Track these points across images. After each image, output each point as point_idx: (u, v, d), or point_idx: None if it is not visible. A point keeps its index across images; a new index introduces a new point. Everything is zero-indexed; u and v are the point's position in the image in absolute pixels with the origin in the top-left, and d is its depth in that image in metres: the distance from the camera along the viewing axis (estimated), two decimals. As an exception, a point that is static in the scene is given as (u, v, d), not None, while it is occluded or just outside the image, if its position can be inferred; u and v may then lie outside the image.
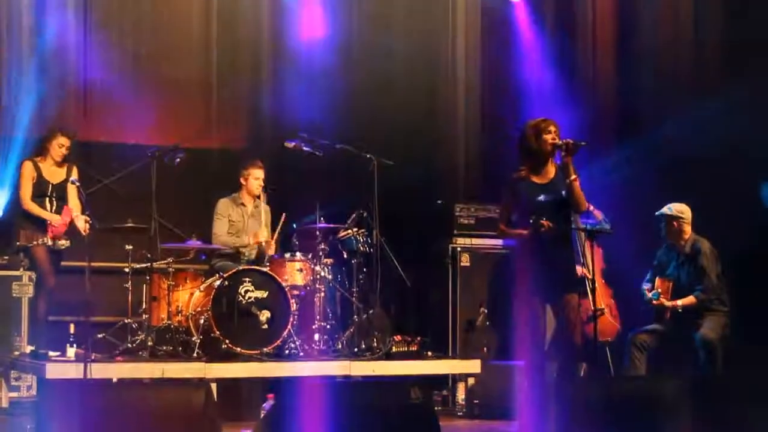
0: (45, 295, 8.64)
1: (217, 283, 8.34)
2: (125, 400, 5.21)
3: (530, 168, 7.01)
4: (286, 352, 8.46)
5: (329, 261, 9.04)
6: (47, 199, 8.66)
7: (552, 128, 6.94)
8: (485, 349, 9.65)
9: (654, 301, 8.58)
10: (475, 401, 8.89)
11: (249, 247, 9.12)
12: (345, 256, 9.12)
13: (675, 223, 8.68)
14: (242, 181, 9.25)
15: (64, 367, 7.61)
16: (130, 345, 8.24)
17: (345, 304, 9.12)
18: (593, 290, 7.68)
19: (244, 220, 9.21)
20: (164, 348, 8.27)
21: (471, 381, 8.92)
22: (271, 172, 9.36)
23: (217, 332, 8.18)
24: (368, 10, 10.89)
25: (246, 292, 8.37)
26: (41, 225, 8.55)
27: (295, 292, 8.70)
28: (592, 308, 7.68)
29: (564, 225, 7.02)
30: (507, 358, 9.09)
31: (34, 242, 8.51)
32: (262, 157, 9.46)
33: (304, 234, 9.07)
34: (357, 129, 10.30)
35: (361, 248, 9.04)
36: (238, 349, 8.19)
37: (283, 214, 9.11)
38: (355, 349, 8.73)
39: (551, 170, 7.02)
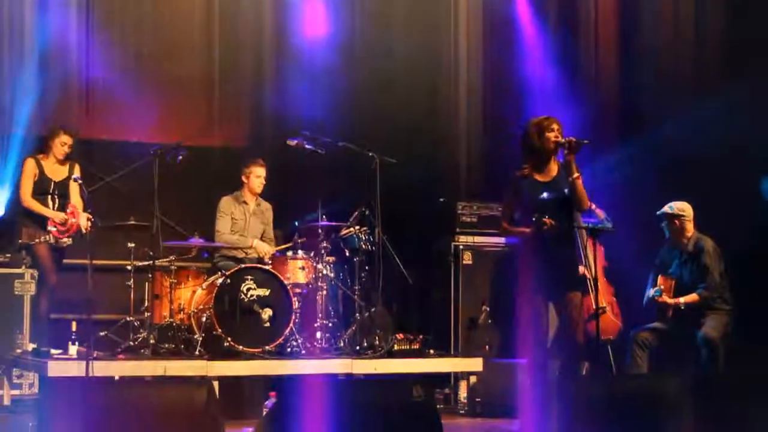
0: (47, 293, 8.64)
1: (220, 281, 8.34)
2: (127, 398, 5.21)
3: (533, 166, 7.00)
4: (288, 350, 8.46)
5: (331, 259, 9.03)
6: (49, 196, 8.66)
7: (555, 126, 6.94)
8: (487, 347, 9.65)
9: (657, 298, 8.57)
10: (477, 399, 8.89)
11: (250, 248, 9.13)
12: (347, 254, 9.12)
13: (677, 221, 8.67)
14: (244, 179, 9.25)
15: (66, 365, 7.61)
16: (132, 343, 8.24)
17: (347, 302, 9.12)
18: (595, 288, 7.68)
19: (246, 218, 9.21)
20: (166, 346, 8.27)
21: (473, 379, 8.92)
22: (273, 170, 9.37)
23: (219, 330, 8.18)
24: (370, 8, 10.89)
25: (248, 290, 8.37)
26: (43, 222, 8.56)
27: (297, 290, 8.70)
28: (594, 306, 7.68)
29: (566, 223, 7.01)
30: (509, 356, 9.09)
31: (36, 240, 8.51)
32: (264, 155, 9.47)
33: (306, 232, 9.07)
34: (359, 127, 10.31)
35: (363, 246, 9.04)
36: (240, 347, 8.20)
37: (291, 243, 9.10)
38: (357, 347, 8.73)
39: (554, 168, 7.02)
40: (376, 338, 8.84)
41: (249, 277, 8.42)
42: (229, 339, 8.17)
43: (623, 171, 9.79)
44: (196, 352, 8.10)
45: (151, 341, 8.18)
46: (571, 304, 6.92)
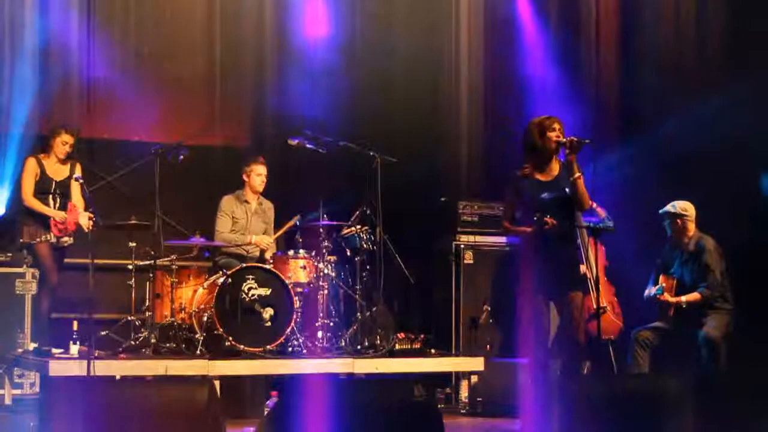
0: (48, 292, 8.64)
1: (221, 280, 8.34)
2: (128, 397, 5.20)
3: (534, 165, 7.01)
4: (290, 349, 8.46)
5: (332, 258, 9.04)
6: (50, 196, 8.66)
7: (556, 126, 6.94)
8: (488, 346, 9.65)
9: (658, 296, 8.56)
10: (479, 399, 8.88)
11: (250, 246, 9.13)
12: (348, 253, 9.12)
13: (679, 220, 8.67)
14: (244, 177, 9.25)
15: (68, 365, 7.62)
16: (133, 342, 8.24)
17: (348, 301, 9.13)
18: (596, 288, 7.69)
19: (247, 217, 9.21)
20: (167, 345, 8.28)
21: (474, 378, 8.91)
22: (274, 169, 9.37)
23: (221, 329, 8.18)
24: (371, 7, 10.88)
25: (249, 289, 8.38)
26: (44, 222, 8.56)
27: (299, 290, 8.71)
28: (595, 306, 7.67)
29: (567, 222, 7.02)
30: (510, 356, 9.08)
31: (38, 239, 8.52)
32: (265, 154, 9.47)
33: (307, 231, 9.07)
34: (360, 126, 10.31)
35: (365, 246, 9.04)
36: (242, 346, 8.20)
37: (295, 217, 9.09)
38: (359, 347, 8.73)
39: (555, 168, 7.02)
40: (378, 338, 8.85)
41: (250, 276, 8.42)
42: (231, 338, 8.18)
43: (624, 170, 9.78)
44: (198, 352, 8.11)
45: (153, 341, 8.19)
46: (572, 304, 6.93)
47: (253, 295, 8.38)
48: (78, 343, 7.97)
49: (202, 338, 8.20)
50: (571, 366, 7.03)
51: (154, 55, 10.18)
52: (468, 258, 9.95)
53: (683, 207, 8.67)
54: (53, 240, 8.56)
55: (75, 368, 7.52)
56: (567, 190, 6.93)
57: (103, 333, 8.37)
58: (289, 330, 8.42)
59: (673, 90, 10.14)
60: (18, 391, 8.55)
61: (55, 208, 8.64)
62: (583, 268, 7.74)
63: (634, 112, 10.43)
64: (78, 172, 8.69)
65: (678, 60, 10.29)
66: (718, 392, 5.83)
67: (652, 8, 10.49)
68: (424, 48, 10.98)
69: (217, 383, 7.29)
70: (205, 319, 8.31)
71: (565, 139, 6.92)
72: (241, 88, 10.51)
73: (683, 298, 8.51)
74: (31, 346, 8.46)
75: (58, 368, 7.55)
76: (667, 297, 8.55)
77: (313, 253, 8.88)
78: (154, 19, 10.19)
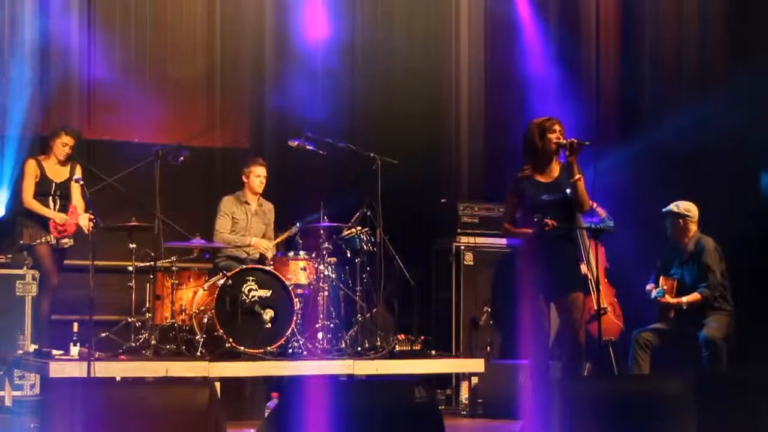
0: (48, 294, 8.65)
1: (221, 281, 8.34)
2: (129, 399, 5.20)
3: (534, 167, 7.01)
4: (290, 351, 8.47)
5: (333, 260, 9.04)
6: (51, 197, 8.67)
7: (557, 127, 6.94)
8: (489, 347, 9.65)
9: (659, 298, 8.56)
10: (479, 400, 8.89)
11: (250, 248, 9.13)
12: (348, 255, 9.12)
13: (681, 220, 8.65)
14: (244, 178, 9.26)
15: (68, 366, 7.62)
16: (133, 344, 8.24)
17: (348, 303, 9.13)
18: (597, 289, 7.68)
19: (247, 218, 9.21)
20: (168, 347, 8.28)
21: (474, 380, 8.91)
22: (274, 171, 9.37)
23: (221, 331, 8.18)
24: (371, 9, 10.89)
25: (249, 290, 8.38)
26: (44, 223, 8.56)
27: (299, 291, 8.71)
28: (596, 307, 7.67)
29: (568, 224, 7.02)
30: (511, 357, 9.10)
31: (38, 241, 8.52)
32: (266, 156, 9.48)
33: (307, 233, 9.07)
34: (360, 128, 10.33)
35: (365, 247, 9.04)
36: (242, 348, 8.20)
37: (294, 226, 9.09)
38: (359, 348, 8.74)
39: (555, 169, 7.02)
40: (378, 339, 8.85)
41: (250, 278, 8.42)
42: (231, 340, 8.18)
43: (624, 170, 9.78)
44: (198, 353, 8.11)
45: (153, 342, 8.18)
46: (573, 305, 6.92)
47: (253, 296, 8.38)
48: (78, 344, 7.97)
49: (202, 340, 8.20)
50: (571, 367, 7.03)
51: (155, 57, 10.18)
52: (468, 259, 9.95)
53: (687, 208, 8.66)
54: (53, 241, 8.56)
55: (75, 370, 7.52)
56: (567, 191, 6.93)
57: (103, 334, 8.36)
58: (289, 331, 8.42)
59: (674, 90, 10.15)
60: (18, 393, 8.54)
61: (55, 209, 8.64)
62: (583, 269, 7.75)
63: (634, 111, 10.43)
64: (78, 174, 8.69)
65: (678, 60, 10.29)
66: (719, 393, 5.82)
67: (653, 7, 10.49)
68: (425, 49, 10.99)
69: (217, 385, 7.28)
70: (205, 320, 8.31)
71: (565, 141, 6.92)
72: (242, 89, 10.51)
73: (684, 299, 8.51)
74: (32, 347, 8.45)
75: (58, 370, 7.55)
76: (668, 299, 8.54)
77: (314, 255, 8.89)
78: (155, 21, 10.18)
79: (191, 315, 8.47)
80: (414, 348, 8.98)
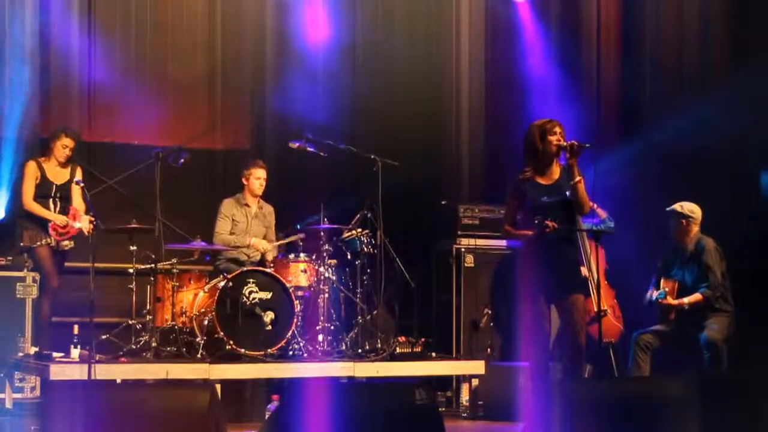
0: (49, 296, 8.64)
1: (222, 284, 8.34)
2: (129, 401, 5.20)
3: (535, 169, 7.01)
4: (290, 353, 8.47)
5: (333, 262, 9.04)
6: (51, 199, 8.67)
7: (557, 129, 6.94)
8: (489, 349, 9.65)
9: (660, 300, 8.55)
10: (480, 402, 8.88)
11: (250, 249, 9.12)
12: (349, 257, 9.12)
13: (684, 221, 8.64)
14: (244, 181, 9.26)
15: (68, 369, 7.61)
16: (134, 346, 8.24)
17: (349, 305, 9.12)
18: (597, 291, 7.68)
19: (247, 220, 9.21)
20: (168, 349, 8.28)
21: (475, 382, 8.91)
22: (275, 173, 9.37)
23: (221, 333, 8.18)
24: (372, 11, 10.89)
25: (250, 293, 8.38)
26: (45, 226, 8.56)
27: (299, 293, 8.71)
28: (596, 309, 7.67)
29: (568, 225, 7.02)
30: (511, 359, 9.10)
31: (38, 243, 8.52)
32: (266, 158, 9.48)
33: (308, 235, 9.07)
34: (361, 130, 10.33)
35: (365, 249, 9.04)
36: (242, 350, 8.20)
37: (298, 236, 9.09)
38: (359, 350, 8.73)
39: (556, 171, 7.02)
40: (378, 341, 8.85)
41: (251, 280, 8.42)
42: (231, 342, 8.17)
43: (624, 172, 9.78)
44: (198, 355, 8.11)
45: (153, 344, 8.17)
46: (573, 307, 6.92)
47: (254, 298, 8.38)
48: (79, 346, 7.97)
49: (202, 342, 8.20)
50: (571, 369, 7.02)
51: (155, 58, 10.18)
52: (469, 261, 9.94)
53: (691, 209, 8.64)
54: (53, 244, 8.56)
55: (76, 372, 7.52)
56: (567, 193, 6.93)
57: (103, 337, 8.36)
58: (289, 333, 8.42)
59: (674, 91, 10.16)
60: (19, 395, 8.53)
61: (55, 211, 8.64)
62: (583, 270, 7.75)
63: (635, 113, 10.44)
64: (78, 176, 8.69)
65: (679, 61, 10.30)
66: (720, 395, 5.82)
67: (653, 9, 10.50)
68: (425, 51, 10.98)
69: (218, 387, 7.28)
70: (205, 322, 8.31)
71: (565, 143, 6.92)
72: (242, 91, 10.50)
73: (685, 300, 8.50)
74: (32, 350, 8.45)
75: (58, 372, 7.55)
76: (670, 300, 8.54)
77: (314, 257, 8.89)
78: (155, 22, 10.18)
79: (192, 317, 8.47)
80: (414, 350, 8.98)
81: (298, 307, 8.54)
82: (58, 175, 8.74)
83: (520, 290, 7.04)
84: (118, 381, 7.67)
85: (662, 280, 8.64)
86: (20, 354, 8.52)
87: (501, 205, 8.77)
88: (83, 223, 8.50)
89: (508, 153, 9.33)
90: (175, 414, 5.14)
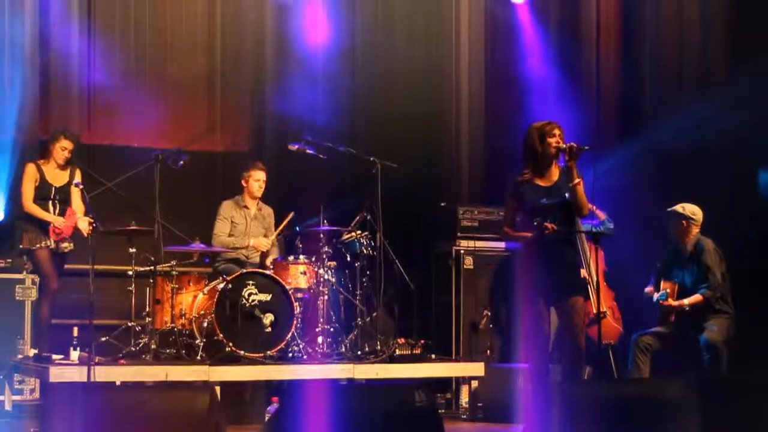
0: (48, 298, 8.64)
1: (221, 286, 8.34)
2: (129, 403, 5.20)
3: (534, 171, 7.01)
4: (290, 355, 8.46)
5: (333, 264, 9.03)
6: (50, 202, 8.66)
7: (556, 131, 6.94)
8: (489, 351, 9.65)
9: (662, 302, 8.54)
10: (479, 404, 8.88)
11: (250, 251, 9.12)
12: (348, 258, 9.12)
13: (684, 222, 8.62)
14: (243, 183, 9.26)
15: (68, 371, 7.61)
16: (133, 348, 8.24)
17: (348, 306, 9.12)
18: (597, 293, 7.67)
19: (246, 222, 9.21)
20: (168, 351, 8.27)
21: (474, 384, 8.90)
22: (274, 174, 9.37)
23: (221, 335, 8.18)
24: (371, 12, 10.89)
25: (249, 295, 8.37)
26: (44, 228, 8.56)
27: (299, 295, 8.70)
28: (595, 311, 7.66)
29: (568, 227, 7.02)
30: (510, 361, 9.09)
31: (38, 245, 8.52)
32: (266, 160, 9.48)
33: (307, 237, 9.07)
34: (361, 131, 10.33)
35: (365, 251, 9.04)
36: (242, 352, 8.20)
37: (291, 213, 9.10)
38: (359, 352, 8.73)
39: (555, 173, 7.02)
40: (378, 343, 8.84)
41: (250, 282, 8.42)
42: (231, 344, 8.17)
43: (624, 173, 9.78)
44: (198, 358, 8.11)
45: (153, 346, 8.17)
46: (573, 309, 6.92)
47: (253, 300, 8.38)
48: (78, 349, 7.97)
49: (202, 344, 8.19)
50: (572, 371, 7.02)
51: (155, 60, 10.18)
52: (468, 263, 9.94)
53: (692, 211, 8.63)
54: (53, 246, 8.56)
55: (75, 374, 7.52)
56: (566, 195, 6.93)
57: (103, 339, 8.36)
58: (289, 335, 8.42)
59: (674, 91, 10.16)
60: (18, 398, 8.54)
61: (54, 213, 8.64)
62: (583, 272, 7.74)
63: (635, 113, 10.44)
64: (78, 178, 8.68)
65: (679, 62, 10.30)
66: (720, 396, 5.82)
67: (653, 9, 10.50)
68: (425, 53, 10.99)
69: (217, 389, 7.28)
70: (205, 324, 8.30)
71: (564, 145, 6.92)
72: (242, 93, 10.50)
73: (686, 301, 8.49)
74: (31, 352, 8.45)
75: (58, 374, 7.55)
76: (670, 302, 8.53)
77: (314, 259, 8.88)
78: (155, 24, 10.17)
79: (191, 319, 8.47)
80: (414, 352, 8.99)
81: (297, 309, 8.54)
82: (57, 177, 8.73)
83: (520, 292, 7.04)
84: (118, 383, 7.67)
85: (662, 282, 8.63)
86: (20, 356, 8.52)
87: (500, 207, 8.76)
88: (82, 225, 8.49)
89: (507, 154, 9.32)
90: (174, 416, 5.14)
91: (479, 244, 10.04)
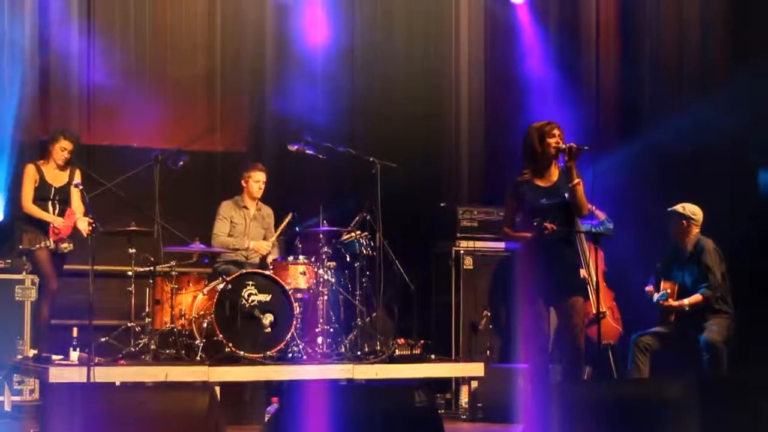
0: (48, 299, 8.63)
1: (221, 286, 8.33)
2: (128, 404, 5.20)
3: (534, 171, 7.01)
4: (290, 355, 8.46)
5: (332, 264, 9.03)
6: (50, 202, 8.65)
7: (556, 132, 6.94)
8: (488, 351, 9.64)
9: (662, 302, 8.54)
10: (479, 404, 8.87)
11: (249, 252, 9.12)
12: (348, 259, 9.12)
13: (684, 222, 8.62)
14: (243, 183, 9.25)
15: (67, 371, 7.62)
16: (133, 349, 8.24)
17: (348, 307, 9.12)
18: (596, 293, 7.67)
19: (246, 222, 9.21)
20: (167, 351, 8.27)
21: (474, 384, 8.90)
22: (274, 175, 9.37)
23: (221, 336, 8.18)
24: (371, 12, 10.88)
25: (249, 295, 8.37)
26: (44, 228, 8.56)
27: (299, 296, 8.70)
28: (595, 311, 7.66)
29: (567, 227, 7.02)
30: (510, 361, 9.09)
31: (37, 245, 8.52)
32: (265, 160, 9.48)
33: (307, 237, 9.07)
34: (360, 131, 10.33)
35: (364, 251, 9.04)
36: (242, 352, 8.20)
37: (290, 215, 9.10)
38: (359, 353, 8.73)
39: (555, 173, 7.02)
40: (377, 343, 8.84)
41: (250, 282, 8.42)
42: (231, 344, 8.17)
43: (623, 173, 9.78)
44: (198, 358, 8.11)
45: (152, 347, 8.17)
46: (572, 309, 6.92)
47: (252, 301, 8.38)
48: (78, 349, 7.97)
49: (202, 344, 8.19)
50: (572, 371, 7.02)
51: (154, 61, 10.17)
52: (468, 263, 9.94)
53: (693, 211, 8.63)
54: (52, 246, 8.55)
55: (75, 375, 7.52)
56: (566, 195, 6.93)
57: (102, 339, 8.35)
58: (289, 336, 8.42)
59: (674, 91, 10.16)
60: (18, 398, 8.53)
61: (54, 214, 8.63)
62: (582, 272, 7.74)
63: (634, 113, 10.44)
64: (77, 178, 8.68)
65: (679, 62, 10.30)
66: (720, 396, 5.82)
67: (652, 9, 10.50)
68: (424, 53, 10.98)
69: (217, 389, 7.27)
70: (205, 325, 8.30)
71: (564, 146, 6.92)
72: (241, 93, 10.50)
73: (686, 301, 8.48)
74: (31, 352, 8.45)
75: (57, 375, 7.55)
76: (671, 302, 8.52)
77: (313, 259, 8.88)
78: (154, 24, 10.17)
79: (191, 319, 8.46)
80: (414, 352, 8.98)
81: (297, 310, 8.54)
82: (56, 177, 8.73)
83: (519, 292, 7.04)
84: (117, 384, 7.67)
85: (662, 282, 8.63)
86: (19, 356, 8.52)
87: (500, 207, 8.76)
88: (82, 225, 8.49)
89: (507, 154, 9.32)
90: (174, 416, 5.14)
91: (479, 244, 10.04)
